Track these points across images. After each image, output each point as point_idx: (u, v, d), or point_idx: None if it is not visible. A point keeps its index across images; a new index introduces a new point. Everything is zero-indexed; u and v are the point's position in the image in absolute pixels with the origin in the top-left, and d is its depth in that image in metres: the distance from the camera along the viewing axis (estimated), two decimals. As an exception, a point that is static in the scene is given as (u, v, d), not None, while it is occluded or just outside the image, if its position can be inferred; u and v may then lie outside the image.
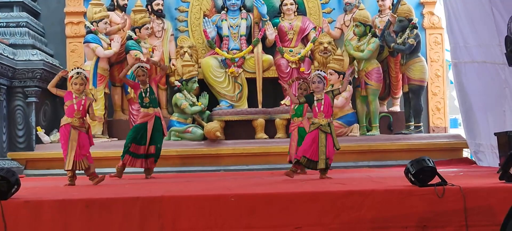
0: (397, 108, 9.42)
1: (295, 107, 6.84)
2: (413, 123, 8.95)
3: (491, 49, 7.28)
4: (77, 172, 5.90)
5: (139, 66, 6.79)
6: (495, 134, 6.73)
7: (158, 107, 6.94)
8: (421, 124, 8.99)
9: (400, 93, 9.29)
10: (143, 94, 6.75)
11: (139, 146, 6.76)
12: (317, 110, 5.89)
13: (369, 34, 8.76)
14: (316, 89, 5.94)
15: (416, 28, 8.78)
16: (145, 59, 7.86)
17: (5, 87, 8.22)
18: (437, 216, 4.12)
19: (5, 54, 8.08)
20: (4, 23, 8.75)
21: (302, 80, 6.86)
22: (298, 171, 6.52)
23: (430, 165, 4.29)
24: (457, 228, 4.12)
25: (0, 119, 8.11)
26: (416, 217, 4.11)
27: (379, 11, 9.29)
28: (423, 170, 4.28)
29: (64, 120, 5.88)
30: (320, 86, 5.94)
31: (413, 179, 4.30)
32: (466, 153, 8.98)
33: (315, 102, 5.92)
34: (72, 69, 6.10)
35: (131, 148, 6.75)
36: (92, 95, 7.45)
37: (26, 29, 8.84)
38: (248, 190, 4.52)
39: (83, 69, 6.29)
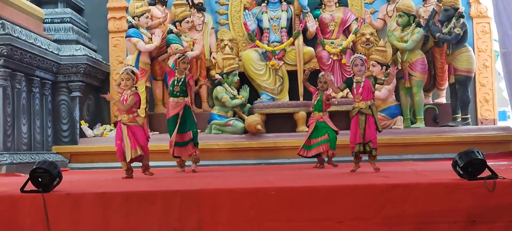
0: (443, 100, 9.21)
1: (315, 103, 6.79)
2: (460, 115, 8.74)
3: (542, 37, 7.01)
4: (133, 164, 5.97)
5: (183, 56, 6.74)
6: (547, 125, 6.47)
7: (188, 98, 6.82)
8: (469, 115, 8.77)
9: (446, 85, 9.08)
10: (175, 82, 6.68)
11: (183, 134, 6.72)
12: (355, 92, 5.75)
13: (413, 24, 8.57)
14: (359, 72, 5.77)
15: (463, 17, 8.55)
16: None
17: (50, 82, 8.37)
18: (487, 211, 3.93)
19: (50, 50, 8.22)
20: (49, 19, 8.91)
21: (321, 74, 6.81)
22: (318, 165, 6.86)
23: (479, 157, 4.10)
24: (508, 223, 3.93)
25: (45, 113, 8.26)
26: (464, 212, 3.93)
27: (423, 0, 9.08)
28: (472, 162, 4.08)
29: (117, 118, 6.05)
30: (363, 69, 5.77)
31: (461, 172, 4.12)
32: (516, 146, 8.70)
33: (354, 84, 5.78)
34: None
35: (176, 138, 6.73)
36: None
37: (70, 24, 8.98)
38: (288, 183, 4.42)
39: (132, 66, 6.37)
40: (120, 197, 3.97)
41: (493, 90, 9.41)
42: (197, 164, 6.81)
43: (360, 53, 8.66)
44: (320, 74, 6.87)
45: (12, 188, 4.45)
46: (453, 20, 8.48)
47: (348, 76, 8.73)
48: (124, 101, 5.85)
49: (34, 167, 4.05)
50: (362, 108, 5.71)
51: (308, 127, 6.90)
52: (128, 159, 5.87)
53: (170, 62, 7.79)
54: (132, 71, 5.93)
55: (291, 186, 4.14)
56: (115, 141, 5.97)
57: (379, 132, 5.80)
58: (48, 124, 8.34)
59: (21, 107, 7.62)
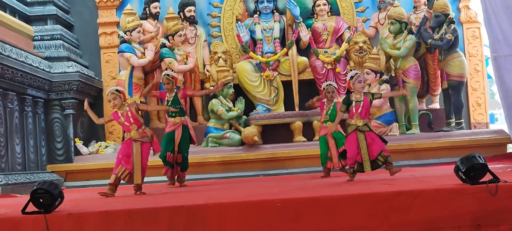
0: (436, 105, 9.25)
1: (328, 112, 6.69)
2: (454, 120, 8.77)
3: (532, 41, 7.05)
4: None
5: (164, 75, 6.70)
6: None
7: (185, 116, 6.78)
8: (462, 120, 8.81)
9: (439, 90, 9.13)
10: (167, 104, 6.64)
11: (172, 155, 6.70)
12: (354, 112, 5.71)
13: (405, 31, 8.61)
14: (361, 89, 5.77)
15: (453, 23, 8.61)
16: (176, 68, 7.83)
17: (43, 100, 8.30)
18: (491, 214, 3.95)
19: (41, 68, 8.14)
20: (39, 37, 8.83)
21: (326, 84, 6.74)
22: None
23: (481, 161, 4.13)
24: (512, 226, 3.96)
25: (39, 132, 8.18)
26: (469, 217, 3.95)
27: (414, 7, 9.16)
28: (474, 167, 4.11)
29: (126, 136, 5.86)
30: (364, 86, 5.79)
31: (464, 177, 4.14)
32: (510, 149, 8.73)
33: (353, 103, 5.74)
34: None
35: (167, 157, 6.69)
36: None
37: (61, 41, 8.91)
38: (293, 194, 4.41)
39: (114, 86, 6.27)
40: (123, 215, 3.93)
41: (485, 94, 9.47)
42: (181, 184, 6.81)
43: (354, 64, 8.75)
44: (324, 85, 6.76)
45: (12, 209, 4.39)
46: (444, 26, 8.52)
47: (342, 85, 8.77)
48: (130, 118, 5.75)
49: (35, 187, 3.99)
50: (359, 126, 5.69)
51: (322, 137, 6.87)
52: (138, 181, 5.73)
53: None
54: (117, 90, 5.80)
55: (295, 197, 4.13)
56: (117, 154, 5.85)
57: (386, 143, 5.77)
58: (42, 142, 8.25)
59: (14, 127, 7.52)
